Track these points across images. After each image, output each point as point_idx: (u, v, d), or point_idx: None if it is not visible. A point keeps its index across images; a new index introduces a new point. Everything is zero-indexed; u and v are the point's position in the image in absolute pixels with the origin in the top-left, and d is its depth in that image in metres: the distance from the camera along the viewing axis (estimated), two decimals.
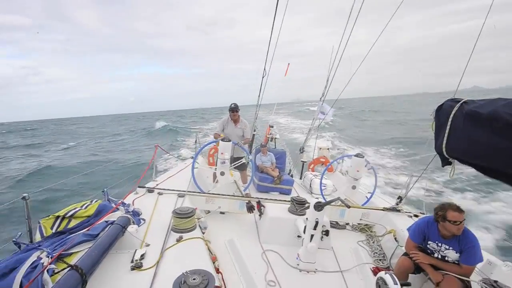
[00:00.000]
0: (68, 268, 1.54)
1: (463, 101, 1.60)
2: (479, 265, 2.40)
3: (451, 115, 1.58)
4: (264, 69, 5.72)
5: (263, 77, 5.89)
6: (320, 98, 6.02)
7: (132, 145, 24.10)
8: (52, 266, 1.67)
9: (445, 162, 1.81)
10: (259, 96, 6.22)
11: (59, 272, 1.65)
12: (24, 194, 2.04)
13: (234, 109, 4.71)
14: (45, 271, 1.58)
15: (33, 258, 1.70)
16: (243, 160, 4.59)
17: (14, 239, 1.88)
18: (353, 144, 17.68)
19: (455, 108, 1.58)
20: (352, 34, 4.28)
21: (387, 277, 1.72)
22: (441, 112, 1.70)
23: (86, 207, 2.42)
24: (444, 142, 1.62)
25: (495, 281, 2.08)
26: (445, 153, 1.65)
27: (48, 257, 1.73)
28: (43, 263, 1.66)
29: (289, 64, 7.24)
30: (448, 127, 1.59)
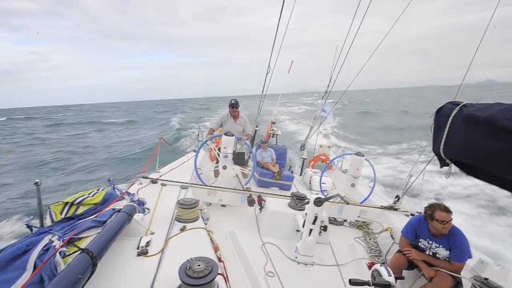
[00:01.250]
0: (79, 252, 1.61)
1: (462, 104, 1.65)
2: (471, 263, 2.49)
3: (450, 118, 1.64)
4: (269, 66, 5.73)
5: (267, 74, 5.91)
6: (323, 97, 6.04)
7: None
8: (64, 249, 1.75)
9: (443, 163, 1.87)
10: (262, 92, 6.25)
11: (70, 255, 1.73)
12: (36, 180, 2.11)
13: (234, 105, 4.75)
14: (57, 253, 1.66)
15: (45, 241, 1.78)
16: (243, 150, 4.64)
17: (26, 223, 1.96)
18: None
19: (455, 111, 1.63)
20: (364, 25, 4.14)
21: (382, 269, 1.80)
22: (441, 114, 1.74)
23: (93, 195, 2.50)
24: (442, 143, 1.67)
25: (486, 279, 2.16)
26: (442, 154, 1.71)
27: (59, 240, 1.81)
28: (55, 246, 1.74)
29: (292, 61, 7.26)
30: (447, 129, 1.64)
